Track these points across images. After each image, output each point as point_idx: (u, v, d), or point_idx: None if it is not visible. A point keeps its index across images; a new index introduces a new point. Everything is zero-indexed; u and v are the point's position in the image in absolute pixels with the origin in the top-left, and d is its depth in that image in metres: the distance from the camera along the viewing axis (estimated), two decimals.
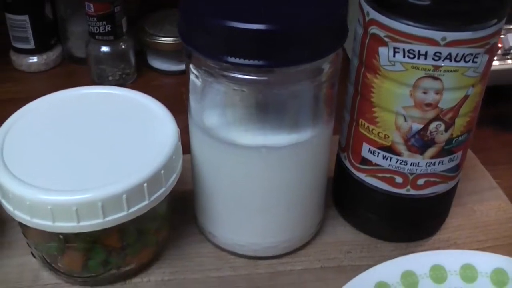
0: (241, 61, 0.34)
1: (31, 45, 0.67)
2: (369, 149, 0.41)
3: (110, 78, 0.65)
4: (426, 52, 0.36)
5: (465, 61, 0.37)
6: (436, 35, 0.35)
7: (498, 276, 0.41)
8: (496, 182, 0.56)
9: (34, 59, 0.68)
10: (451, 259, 0.41)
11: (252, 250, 0.42)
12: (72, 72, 0.69)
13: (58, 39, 0.70)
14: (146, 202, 0.38)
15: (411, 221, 0.44)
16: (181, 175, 0.41)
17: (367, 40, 0.38)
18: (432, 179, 0.41)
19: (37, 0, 0.65)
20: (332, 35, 0.36)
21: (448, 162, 0.41)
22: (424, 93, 0.37)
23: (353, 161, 0.42)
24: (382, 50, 0.37)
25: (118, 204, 0.37)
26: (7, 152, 0.39)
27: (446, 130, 0.39)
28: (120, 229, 0.39)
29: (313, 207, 0.42)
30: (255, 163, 0.39)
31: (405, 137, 0.39)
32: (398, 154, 0.40)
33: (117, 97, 0.43)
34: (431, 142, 0.39)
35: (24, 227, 0.39)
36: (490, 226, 0.47)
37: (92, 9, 0.62)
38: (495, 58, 0.59)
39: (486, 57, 0.37)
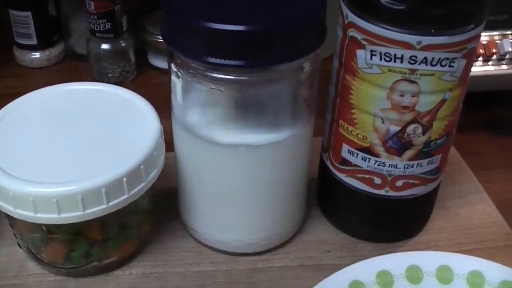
0: (221, 61, 0.35)
1: (33, 41, 0.68)
2: (349, 149, 0.41)
3: (110, 75, 0.66)
4: (402, 55, 0.36)
5: (442, 65, 0.37)
6: (412, 39, 0.36)
7: (475, 279, 0.41)
8: (488, 186, 0.56)
9: (37, 55, 0.69)
10: (428, 260, 0.41)
11: (232, 247, 0.43)
12: (74, 69, 0.70)
13: (61, 36, 0.71)
14: (125, 196, 0.39)
15: (390, 222, 0.44)
16: (167, 172, 0.42)
17: (346, 43, 0.39)
18: (411, 181, 0.42)
19: None
20: (310, 36, 0.37)
21: (427, 164, 0.41)
22: (401, 96, 0.38)
23: (334, 161, 0.43)
24: (360, 53, 0.38)
25: (97, 197, 0.38)
26: None
27: (423, 133, 0.39)
28: (101, 222, 0.40)
29: (293, 205, 0.43)
30: (235, 161, 0.40)
31: (383, 139, 0.40)
32: (377, 155, 0.40)
33: (104, 93, 0.44)
34: (409, 145, 0.40)
35: (10, 218, 0.40)
36: (473, 230, 0.47)
37: (93, 7, 0.63)
38: (491, 63, 0.59)
39: (464, 61, 0.38)
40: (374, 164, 0.41)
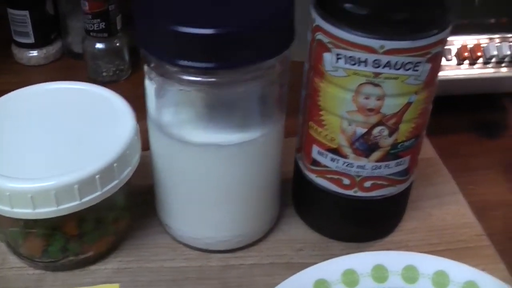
0: (190, 63, 0.36)
1: (31, 40, 0.70)
2: (318, 150, 0.42)
3: (105, 73, 0.68)
4: (366, 59, 0.37)
5: (405, 69, 0.38)
6: (375, 43, 0.37)
7: (440, 278, 0.42)
8: (471, 188, 0.57)
9: (34, 53, 0.70)
10: (394, 259, 0.42)
11: (205, 244, 0.44)
12: (71, 67, 0.72)
13: (58, 34, 0.72)
14: (98, 193, 0.40)
15: (361, 222, 0.45)
16: (145, 169, 0.44)
17: (314, 45, 0.40)
18: (379, 182, 0.43)
19: None
20: (277, 38, 0.38)
21: (395, 166, 0.42)
22: (366, 98, 0.39)
23: (305, 162, 0.44)
24: (326, 56, 0.39)
25: (70, 194, 0.39)
26: None
27: (390, 135, 0.40)
28: (77, 218, 0.42)
29: (265, 204, 0.44)
30: (206, 160, 0.41)
31: (350, 141, 0.41)
32: (345, 156, 0.41)
33: (85, 93, 0.46)
34: (376, 146, 0.41)
35: None
36: (445, 230, 0.48)
37: (87, 7, 0.64)
38: (476, 66, 0.60)
39: (428, 65, 0.38)
40: (343, 165, 0.42)
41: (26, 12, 0.68)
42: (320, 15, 0.38)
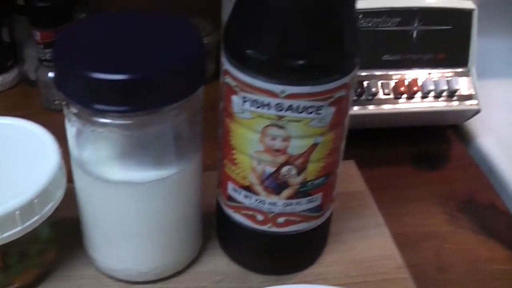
0: (105, 107, 0.38)
1: None
2: (233, 187, 0.44)
3: (57, 102, 0.69)
4: (269, 103, 0.39)
5: (308, 113, 0.40)
6: (276, 88, 0.39)
7: None
8: (405, 219, 0.59)
9: None
10: None
11: (126, 275, 0.46)
12: (27, 94, 0.74)
13: (15, 61, 0.74)
14: (19, 228, 0.42)
15: (277, 256, 0.47)
16: (74, 202, 0.46)
17: (224, 88, 0.41)
18: (292, 218, 0.44)
19: None
20: (187, 80, 0.40)
21: (307, 203, 0.44)
22: (272, 139, 0.41)
23: (223, 197, 0.46)
24: (234, 98, 0.40)
25: None
26: None
27: (298, 174, 0.42)
28: (1, 251, 0.43)
29: (184, 238, 0.46)
30: (123, 197, 0.43)
31: (260, 179, 0.42)
32: (256, 193, 0.43)
33: (11, 127, 0.47)
34: (285, 184, 0.42)
35: None
36: (366, 263, 0.49)
37: (39, 37, 0.66)
38: (415, 100, 0.62)
39: (332, 109, 0.40)
40: (255, 202, 0.44)
41: None
42: (227, 59, 0.40)
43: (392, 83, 0.62)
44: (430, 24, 0.62)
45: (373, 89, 0.61)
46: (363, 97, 0.62)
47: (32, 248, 0.45)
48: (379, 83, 0.62)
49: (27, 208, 0.42)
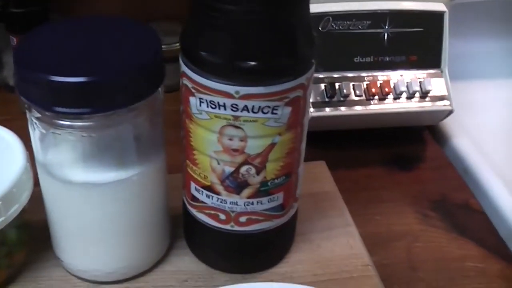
0: (65, 109, 0.39)
1: None
2: (195, 187, 0.45)
3: None
4: (224, 103, 0.40)
5: (264, 113, 0.40)
6: (230, 89, 0.39)
7: None
8: (377, 218, 0.60)
9: None
10: None
11: (93, 276, 0.47)
12: (6, 100, 0.75)
13: None
14: None
15: (242, 255, 0.48)
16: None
17: (182, 90, 0.42)
18: (254, 217, 0.45)
19: None
20: (145, 82, 0.40)
21: (268, 202, 0.45)
22: (230, 140, 0.41)
23: (187, 197, 0.47)
24: (192, 100, 0.41)
25: None
26: None
27: (257, 173, 0.43)
28: None
29: (149, 238, 0.47)
30: (85, 198, 0.43)
31: (220, 179, 0.43)
32: (218, 193, 0.44)
33: None
34: (245, 184, 0.43)
35: None
36: (331, 262, 0.50)
37: (15, 43, 0.67)
38: (387, 101, 0.63)
39: (288, 109, 0.41)
40: (217, 201, 0.44)
41: None
42: (184, 62, 0.41)
43: (364, 85, 0.63)
44: (401, 26, 0.63)
45: (345, 91, 0.62)
46: (335, 99, 0.62)
47: (0, 250, 0.46)
48: (351, 84, 0.63)
49: None
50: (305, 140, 0.45)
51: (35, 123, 0.42)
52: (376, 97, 0.63)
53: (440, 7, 0.64)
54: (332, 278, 0.49)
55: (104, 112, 0.40)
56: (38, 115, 0.41)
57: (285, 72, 0.40)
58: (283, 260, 0.50)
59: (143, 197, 0.45)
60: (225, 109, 0.40)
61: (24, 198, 0.45)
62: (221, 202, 0.44)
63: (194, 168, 0.44)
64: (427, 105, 0.64)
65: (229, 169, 0.42)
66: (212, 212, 0.45)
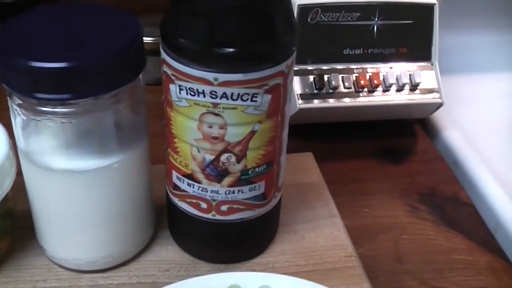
0: (44, 95, 0.39)
1: None
2: (177, 176, 0.45)
3: None
4: (203, 90, 0.40)
5: (243, 100, 0.40)
6: (209, 75, 0.39)
7: None
8: (365, 211, 0.59)
9: None
10: (249, 280, 0.45)
11: (75, 264, 0.47)
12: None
13: None
14: None
15: (224, 244, 0.48)
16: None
17: (163, 78, 0.42)
18: (235, 206, 0.45)
19: None
20: (124, 69, 0.41)
21: (249, 191, 0.44)
22: (210, 127, 0.41)
23: (169, 186, 0.47)
24: (172, 87, 0.41)
25: None
26: None
27: (238, 161, 0.43)
28: None
29: (132, 227, 0.47)
30: (66, 186, 0.43)
31: (201, 167, 0.43)
32: (198, 181, 0.44)
33: None
34: (226, 172, 0.43)
35: None
36: (314, 252, 0.50)
37: None
38: (376, 94, 0.62)
39: (268, 96, 0.41)
40: (198, 189, 0.44)
41: None
42: (163, 49, 0.41)
43: (353, 77, 0.63)
44: (390, 18, 0.63)
45: (334, 83, 0.62)
46: (323, 91, 0.62)
47: None
48: (340, 76, 0.63)
49: None
50: (287, 129, 0.45)
51: (16, 109, 0.42)
52: (366, 89, 0.63)
53: None
54: (315, 269, 0.49)
55: (84, 98, 0.40)
56: (19, 101, 0.41)
57: (264, 59, 0.39)
58: (267, 250, 0.50)
59: (125, 185, 0.45)
60: (204, 96, 0.40)
61: (6, 185, 0.45)
62: (202, 190, 0.44)
63: (175, 156, 0.44)
64: (416, 97, 0.64)
65: (209, 157, 0.42)
66: (194, 200, 0.45)
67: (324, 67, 0.63)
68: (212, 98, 0.40)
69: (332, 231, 0.52)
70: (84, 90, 0.40)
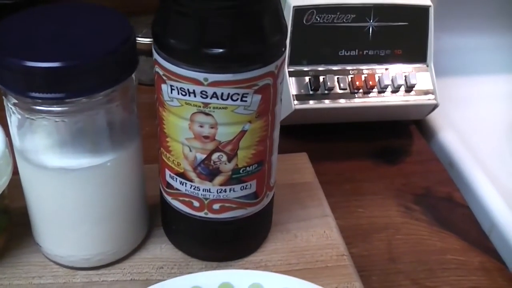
0: (38, 94, 0.40)
1: None
2: (170, 174, 0.46)
3: None
4: (194, 90, 0.41)
5: (233, 100, 0.41)
6: (199, 76, 0.40)
7: None
8: (360, 211, 0.60)
9: None
10: (241, 278, 0.45)
11: (69, 261, 0.47)
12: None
13: None
14: None
15: (216, 243, 0.48)
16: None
17: (155, 78, 0.43)
18: (227, 205, 0.46)
19: None
20: (116, 68, 0.41)
21: (241, 190, 0.45)
22: (200, 126, 0.42)
23: (163, 184, 0.47)
24: (163, 87, 0.42)
25: None
26: None
27: (229, 160, 0.43)
28: None
29: (125, 225, 0.47)
30: (60, 184, 0.44)
31: (193, 166, 0.44)
32: (191, 180, 0.45)
33: None
34: (217, 171, 0.44)
35: None
36: (306, 251, 0.50)
37: None
38: (371, 95, 0.63)
39: (258, 96, 0.41)
40: (190, 188, 0.45)
41: None
42: (155, 49, 0.42)
43: (348, 78, 0.64)
44: (386, 20, 0.63)
45: (329, 84, 0.63)
46: (319, 92, 0.63)
47: None
48: (336, 78, 0.63)
49: None
50: (278, 129, 0.46)
51: (11, 108, 0.43)
52: (361, 90, 0.64)
53: (425, 1, 0.64)
54: (307, 268, 0.49)
55: (77, 97, 0.41)
56: (14, 101, 0.42)
57: (253, 60, 0.40)
58: (259, 249, 0.50)
59: (118, 183, 0.45)
60: (195, 96, 0.41)
61: (2, 183, 0.46)
62: (194, 189, 0.45)
63: (168, 155, 0.45)
64: (412, 99, 0.65)
65: (200, 156, 0.43)
66: (186, 199, 0.46)
67: (320, 68, 0.63)
68: (203, 98, 0.41)
69: (325, 230, 0.52)
70: (78, 89, 0.41)
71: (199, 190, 0.45)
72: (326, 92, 0.63)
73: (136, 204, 0.48)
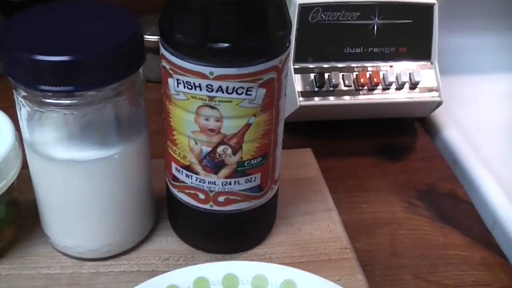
0: (48, 87, 0.41)
1: None
2: (176, 167, 0.47)
3: None
4: (200, 84, 0.42)
5: (238, 93, 0.42)
6: (204, 70, 0.41)
7: (287, 287, 0.45)
8: (364, 206, 0.61)
9: None
10: (245, 269, 0.46)
11: (77, 252, 0.48)
12: (8, 88, 0.77)
13: None
14: None
15: (221, 235, 0.49)
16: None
17: (162, 71, 0.44)
18: (232, 197, 0.46)
19: None
20: (124, 62, 0.42)
21: (246, 182, 0.46)
22: (206, 120, 0.43)
23: (169, 177, 0.48)
24: (170, 81, 0.43)
25: None
26: None
27: (234, 153, 0.44)
28: None
29: (132, 217, 0.48)
30: (68, 175, 0.45)
31: (198, 158, 0.45)
32: (196, 173, 0.45)
33: None
34: (222, 164, 0.45)
35: None
36: (310, 244, 0.51)
37: None
38: (376, 92, 0.64)
39: (263, 90, 0.42)
40: (196, 181, 0.46)
41: None
42: (162, 44, 0.43)
43: (353, 75, 0.64)
44: (390, 18, 0.64)
45: (334, 81, 0.63)
46: (324, 89, 0.64)
47: None
48: (341, 75, 0.64)
49: None
50: (283, 124, 0.46)
51: (21, 101, 0.44)
52: (366, 87, 0.64)
53: None
54: (310, 260, 0.50)
55: (86, 90, 0.42)
56: (24, 94, 0.43)
57: (257, 54, 0.41)
58: (264, 241, 0.51)
59: (125, 175, 0.46)
60: (200, 89, 0.42)
61: (12, 175, 0.47)
62: (200, 181, 0.46)
63: (174, 148, 0.46)
64: (416, 96, 0.65)
65: (206, 149, 0.44)
66: (192, 191, 0.47)
67: (325, 65, 0.64)
68: (208, 91, 0.42)
69: (328, 224, 0.53)
70: (86, 83, 0.42)
71: (205, 182, 0.46)
72: (331, 89, 0.64)
73: (143, 196, 0.49)
